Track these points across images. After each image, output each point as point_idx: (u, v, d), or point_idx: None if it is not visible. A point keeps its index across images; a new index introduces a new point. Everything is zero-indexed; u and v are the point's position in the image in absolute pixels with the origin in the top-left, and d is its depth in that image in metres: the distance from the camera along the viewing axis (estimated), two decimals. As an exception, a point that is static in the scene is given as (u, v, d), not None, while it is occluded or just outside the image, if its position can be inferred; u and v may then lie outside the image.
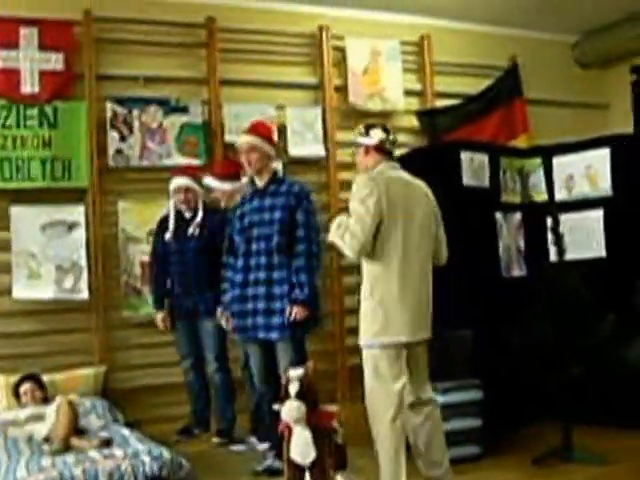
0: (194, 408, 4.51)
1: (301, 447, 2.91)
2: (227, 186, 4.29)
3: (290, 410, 2.86)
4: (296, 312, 3.51)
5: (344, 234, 3.06)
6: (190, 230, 4.34)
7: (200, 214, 4.36)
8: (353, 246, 3.03)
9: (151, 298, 4.56)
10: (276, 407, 2.98)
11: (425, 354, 3.22)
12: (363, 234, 3.01)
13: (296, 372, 2.94)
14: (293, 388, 2.89)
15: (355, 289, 5.28)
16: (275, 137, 3.91)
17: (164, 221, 4.48)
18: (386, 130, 3.25)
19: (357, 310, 5.22)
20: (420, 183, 3.24)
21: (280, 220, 3.59)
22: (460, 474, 3.59)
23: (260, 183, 3.74)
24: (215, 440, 4.31)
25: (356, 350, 5.27)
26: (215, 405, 4.44)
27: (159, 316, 4.45)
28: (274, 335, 3.56)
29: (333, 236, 3.15)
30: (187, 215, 4.42)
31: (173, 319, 4.45)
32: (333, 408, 3.07)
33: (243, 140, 3.73)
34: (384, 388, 3.04)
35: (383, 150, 3.19)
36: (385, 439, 3.00)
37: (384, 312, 3.07)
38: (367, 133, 3.21)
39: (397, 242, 3.05)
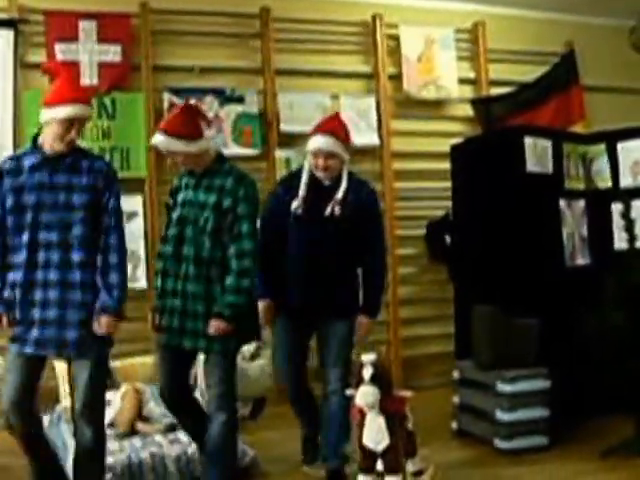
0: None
1: (374, 433, 2.87)
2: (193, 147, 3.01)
3: (365, 395, 2.82)
4: (101, 324, 2.77)
5: None
6: (329, 209, 3.26)
7: (343, 187, 3.28)
8: None
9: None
10: (349, 392, 2.95)
11: None
12: None
13: (369, 357, 2.90)
14: (367, 373, 2.85)
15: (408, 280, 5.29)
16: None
17: (289, 181, 3.47)
18: None
19: (411, 301, 5.24)
20: None
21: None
22: (526, 465, 3.55)
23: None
24: None
25: (411, 341, 5.29)
26: (324, 436, 3.38)
27: (263, 304, 3.32)
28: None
29: None
30: (326, 183, 3.33)
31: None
32: (406, 394, 3.00)
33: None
34: None
35: None
36: None
37: None
38: None
39: None
